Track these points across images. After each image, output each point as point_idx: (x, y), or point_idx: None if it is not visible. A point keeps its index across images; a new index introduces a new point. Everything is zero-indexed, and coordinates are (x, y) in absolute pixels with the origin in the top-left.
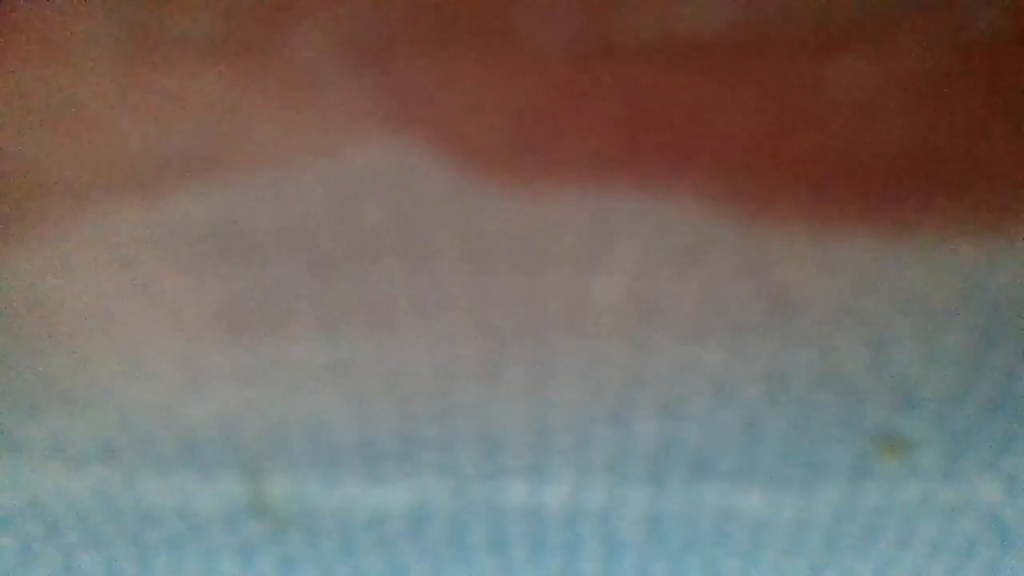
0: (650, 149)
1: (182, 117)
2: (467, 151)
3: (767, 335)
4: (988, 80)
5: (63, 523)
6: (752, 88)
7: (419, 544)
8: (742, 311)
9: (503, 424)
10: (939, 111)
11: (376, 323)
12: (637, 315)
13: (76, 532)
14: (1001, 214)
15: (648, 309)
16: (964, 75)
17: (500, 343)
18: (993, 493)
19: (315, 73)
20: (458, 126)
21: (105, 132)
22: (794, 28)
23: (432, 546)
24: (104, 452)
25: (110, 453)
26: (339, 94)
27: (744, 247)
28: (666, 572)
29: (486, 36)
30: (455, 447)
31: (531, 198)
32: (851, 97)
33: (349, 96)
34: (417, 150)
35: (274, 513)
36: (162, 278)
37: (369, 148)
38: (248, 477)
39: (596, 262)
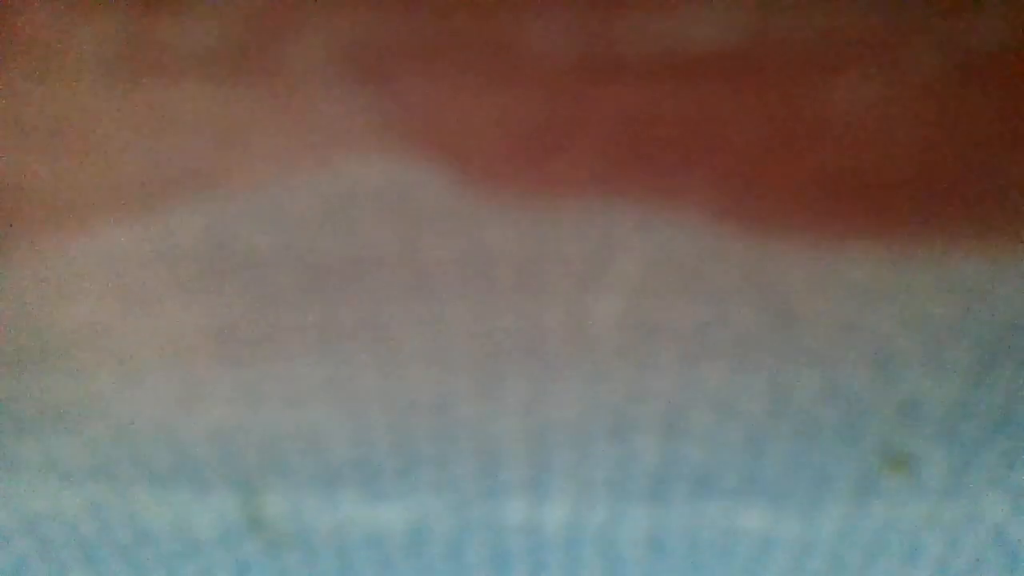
0: (652, 164)
1: (179, 134)
2: (467, 166)
3: (770, 351)
4: (992, 96)
5: (57, 541)
6: (755, 103)
7: (417, 562)
8: (745, 327)
9: (502, 441)
10: (943, 127)
11: (374, 340)
12: (638, 331)
13: (70, 550)
14: (1005, 229)
15: (650, 325)
16: (968, 91)
17: (499, 359)
18: (998, 509)
19: (314, 89)
20: (458, 141)
21: (102, 149)
22: (797, 44)
23: (430, 564)
24: (99, 469)
25: (105, 470)
26: (338, 110)
27: (747, 262)
28: None
29: (486, 51)
30: (454, 465)
31: (532, 213)
32: (855, 112)
33: (348, 112)
34: (416, 165)
35: (271, 531)
36: (158, 295)
37: (368, 164)
38: (244, 494)
39: (597, 277)
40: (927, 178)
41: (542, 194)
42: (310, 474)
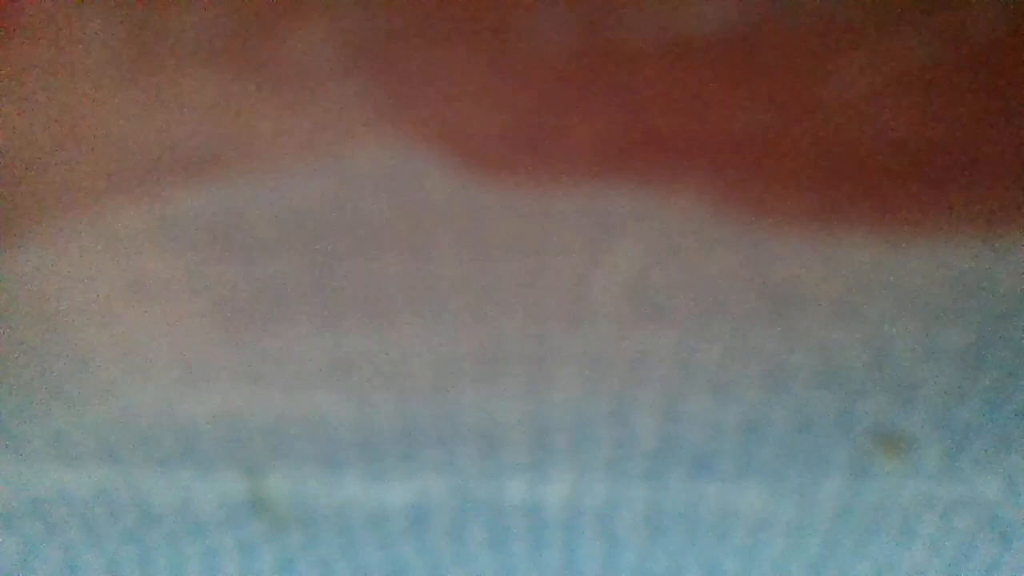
0: (650, 147)
1: (182, 117)
2: (466, 149)
3: (767, 333)
4: (988, 79)
5: (64, 521)
6: (752, 87)
7: (419, 542)
8: (742, 309)
9: (503, 422)
10: (939, 110)
11: (376, 321)
12: (637, 313)
13: (77, 530)
14: (1001, 212)
15: (648, 307)
16: (965, 74)
17: (500, 341)
18: (992, 491)
19: (314, 72)
20: (457, 124)
21: (105, 132)
22: (794, 28)
23: (432, 543)
24: (104, 451)
25: (110, 452)
26: (338, 93)
27: (744, 245)
28: (665, 570)
29: (485, 35)
30: (455, 445)
31: (531, 196)
32: (851, 96)
33: (348, 95)
34: (416, 148)
35: (274, 511)
36: (162, 276)
37: (368, 146)
38: (248, 475)
39: (596, 260)
40: (924, 163)
41: (542, 180)
42: (313, 455)
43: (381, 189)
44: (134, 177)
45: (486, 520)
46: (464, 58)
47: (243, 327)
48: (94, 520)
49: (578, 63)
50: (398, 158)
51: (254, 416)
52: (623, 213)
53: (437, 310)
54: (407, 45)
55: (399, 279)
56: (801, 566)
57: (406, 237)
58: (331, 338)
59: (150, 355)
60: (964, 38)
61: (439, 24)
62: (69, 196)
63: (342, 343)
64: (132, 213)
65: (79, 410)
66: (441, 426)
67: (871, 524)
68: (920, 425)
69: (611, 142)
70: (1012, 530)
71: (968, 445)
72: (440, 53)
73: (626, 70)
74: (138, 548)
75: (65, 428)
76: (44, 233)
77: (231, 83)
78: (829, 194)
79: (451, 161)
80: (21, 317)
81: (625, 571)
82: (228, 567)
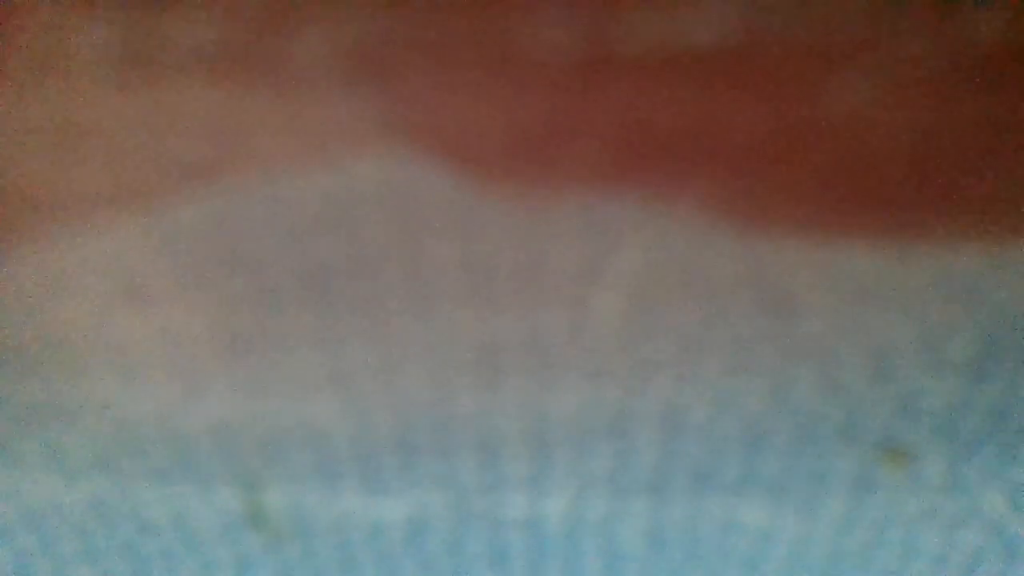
0: (650, 159)
1: (180, 129)
2: (466, 162)
3: (768, 346)
4: (989, 88)
5: (59, 535)
6: (752, 98)
7: (418, 556)
8: (743, 322)
9: (503, 435)
10: (939, 120)
11: (374, 334)
12: (637, 326)
13: (72, 544)
14: (1003, 223)
15: (648, 320)
16: (965, 84)
17: (499, 354)
18: (997, 504)
19: (314, 85)
20: (457, 137)
21: (103, 144)
22: (794, 39)
23: (431, 558)
24: (100, 463)
25: (106, 464)
26: (338, 105)
27: (745, 257)
28: None
29: (486, 47)
30: (454, 459)
31: (530, 209)
32: (851, 107)
33: (348, 107)
34: (416, 161)
35: (272, 525)
36: (159, 291)
37: (368, 159)
38: (245, 488)
39: (596, 273)
40: (926, 174)
41: (542, 192)
42: (311, 468)
43: (381, 199)
44: (132, 190)
45: (485, 534)
46: (466, 71)
47: (241, 340)
48: (89, 533)
49: (580, 72)
50: (398, 168)
51: (251, 429)
52: (624, 222)
53: (436, 324)
54: (408, 59)
55: (399, 293)
56: None
57: (406, 251)
58: (330, 352)
59: (146, 368)
60: (966, 48)
61: (439, 36)
62: (67, 208)
63: (341, 357)
64: (129, 226)
65: (74, 421)
66: (440, 440)
67: (874, 537)
68: (923, 438)
69: (612, 151)
70: (1017, 543)
71: (972, 458)
72: (441, 67)
73: (627, 79)
74: (134, 561)
75: (60, 439)
76: (41, 245)
77: (231, 97)
78: (832, 203)
79: (452, 175)
80: (17, 329)
81: None
82: None
